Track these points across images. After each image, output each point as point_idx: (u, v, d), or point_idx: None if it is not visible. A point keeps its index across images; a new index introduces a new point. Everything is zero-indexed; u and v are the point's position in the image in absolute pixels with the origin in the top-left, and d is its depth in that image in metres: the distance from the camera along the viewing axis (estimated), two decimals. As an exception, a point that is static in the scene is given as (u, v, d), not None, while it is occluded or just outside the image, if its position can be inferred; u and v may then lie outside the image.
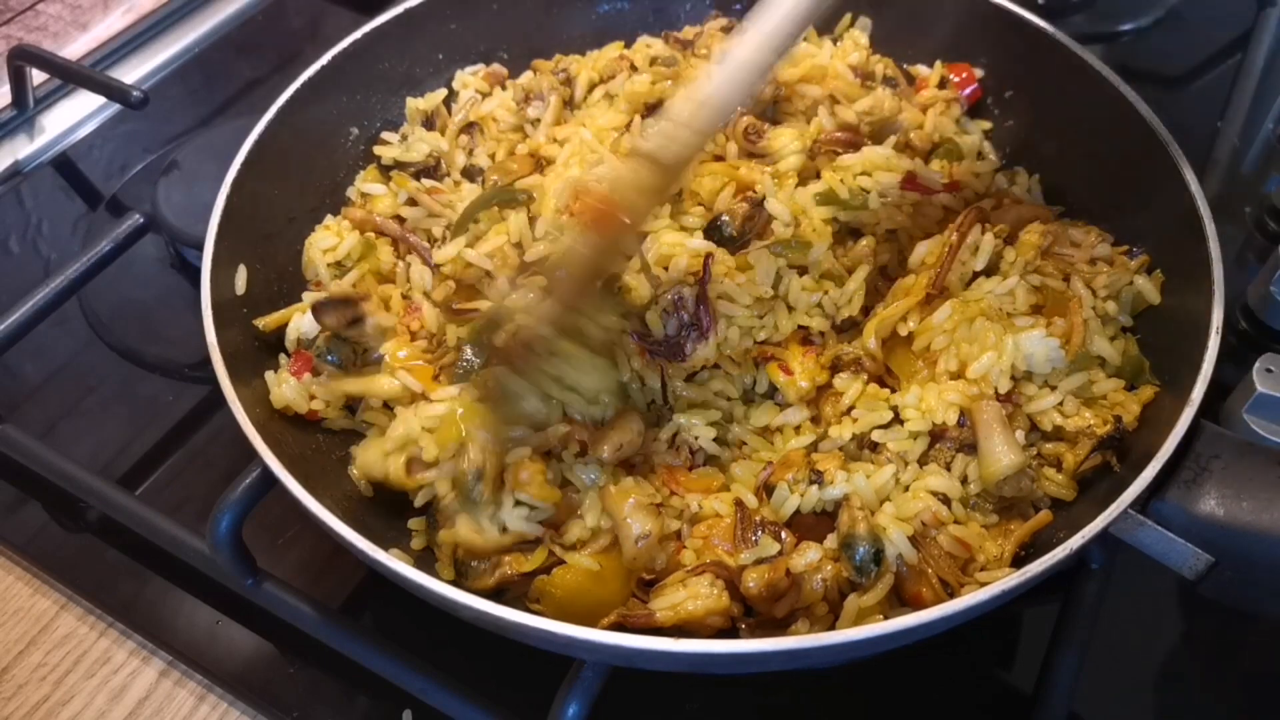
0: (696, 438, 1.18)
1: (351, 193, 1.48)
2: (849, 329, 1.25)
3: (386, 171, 1.49)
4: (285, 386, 1.22)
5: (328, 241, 1.36)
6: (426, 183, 1.43)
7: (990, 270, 1.25)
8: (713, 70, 1.02)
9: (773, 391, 1.22)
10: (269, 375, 1.24)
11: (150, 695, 1.22)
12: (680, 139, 1.02)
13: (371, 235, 1.39)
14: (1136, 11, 2.00)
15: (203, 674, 1.23)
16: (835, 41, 1.55)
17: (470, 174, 1.47)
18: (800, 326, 1.22)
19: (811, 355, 1.20)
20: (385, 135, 1.52)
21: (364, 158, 1.52)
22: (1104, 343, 1.18)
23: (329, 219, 1.43)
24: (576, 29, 1.65)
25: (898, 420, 1.15)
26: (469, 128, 1.51)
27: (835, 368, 1.21)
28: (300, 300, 1.34)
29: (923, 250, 1.25)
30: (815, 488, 1.10)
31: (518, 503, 1.11)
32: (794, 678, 1.19)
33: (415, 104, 1.55)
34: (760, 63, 1.01)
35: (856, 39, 1.54)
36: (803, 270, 1.23)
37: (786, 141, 1.35)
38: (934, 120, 1.45)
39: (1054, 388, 1.16)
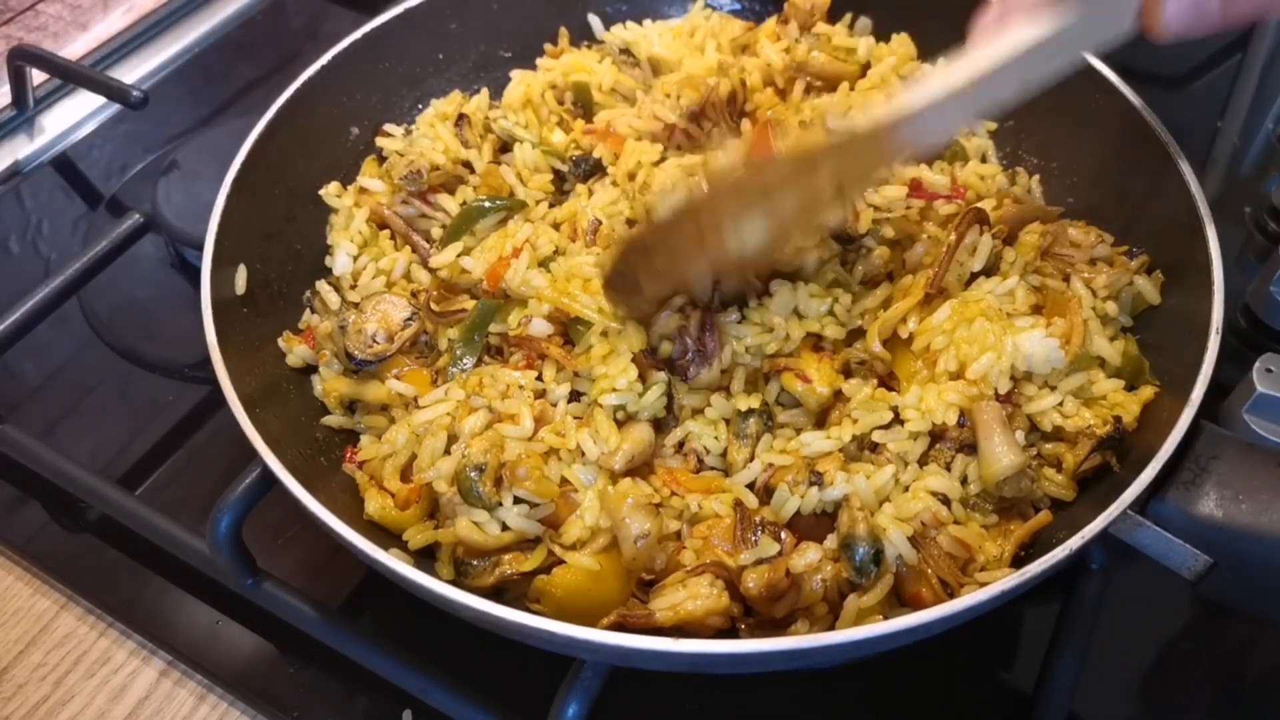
0: (707, 449, 1.18)
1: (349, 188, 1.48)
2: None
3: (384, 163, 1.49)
4: (298, 349, 1.29)
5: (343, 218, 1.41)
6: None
7: (990, 270, 1.25)
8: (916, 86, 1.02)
9: (777, 396, 1.21)
10: (280, 342, 1.29)
11: (150, 695, 1.22)
12: (859, 122, 1.02)
13: (374, 226, 1.40)
14: (1136, 12, 2.00)
15: (203, 674, 1.23)
16: None
17: (449, 187, 1.44)
18: (811, 334, 1.21)
19: (826, 360, 1.19)
20: (388, 127, 1.53)
21: (364, 156, 1.51)
22: (1104, 343, 1.18)
23: (333, 185, 1.44)
24: (578, 28, 1.65)
25: (898, 421, 1.15)
26: (460, 120, 1.47)
27: (846, 372, 1.20)
28: (299, 296, 1.36)
29: (920, 250, 1.25)
30: (815, 489, 1.10)
31: (517, 500, 1.11)
32: (795, 678, 1.19)
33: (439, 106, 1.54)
34: (964, 95, 0.99)
35: (894, 49, 1.53)
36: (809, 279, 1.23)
37: None
38: None
39: (1054, 388, 1.16)
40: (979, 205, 1.28)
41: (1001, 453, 1.09)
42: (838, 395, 1.18)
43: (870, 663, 1.18)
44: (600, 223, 1.32)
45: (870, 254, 1.26)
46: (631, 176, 1.38)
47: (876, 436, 1.14)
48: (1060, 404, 1.14)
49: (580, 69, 1.52)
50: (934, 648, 1.10)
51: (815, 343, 1.22)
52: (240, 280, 1.28)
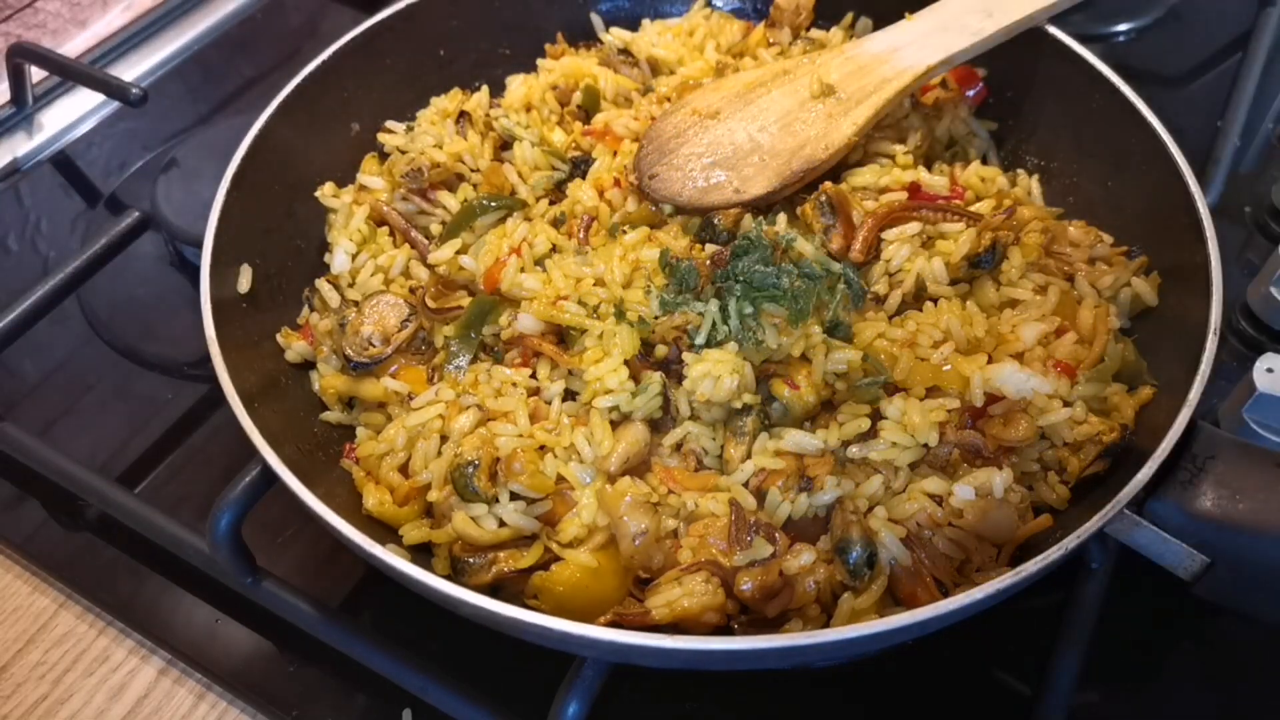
0: (705, 450, 1.17)
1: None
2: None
3: (386, 160, 1.49)
4: (297, 345, 1.30)
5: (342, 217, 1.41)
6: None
7: (989, 261, 1.23)
8: None
9: (769, 400, 1.20)
10: (279, 338, 1.30)
11: (149, 693, 1.22)
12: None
13: (373, 223, 1.40)
14: (1136, 11, 2.00)
15: (202, 672, 1.23)
16: None
17: (449, 185, 1.43)
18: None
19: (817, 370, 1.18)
20: (390, 124, 1.52)
21: (365, 153, 1.51)
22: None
23: (329, 185, 1.43)
24: (578, 25, 1.65)
25: (877, 430, 1.14)
26: (461, 117, 1.47)
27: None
28: (299, 291, 1.36)
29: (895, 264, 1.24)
30: (805, 495, 1.09)
31: (513, 496, 1.11)
32: (794, 678, 1.19)
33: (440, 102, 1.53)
34: None
35: None
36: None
37: None
38: (948, 123, 1.44)
39: (1069, 403, 1.13)
40: (962, 209, 1.28)
41: None
42: (826, 405, 1.17)
43: (871, 663, 1.18)
44: (593, 220, 1.32)
45: (869, 271, 1.26)
46: None
47: (860, 449, 1.12)
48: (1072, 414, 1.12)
49: (584, 73, 1.51)
50: (935, 648, 1.11)
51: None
52: (245, 279, 1.28)
